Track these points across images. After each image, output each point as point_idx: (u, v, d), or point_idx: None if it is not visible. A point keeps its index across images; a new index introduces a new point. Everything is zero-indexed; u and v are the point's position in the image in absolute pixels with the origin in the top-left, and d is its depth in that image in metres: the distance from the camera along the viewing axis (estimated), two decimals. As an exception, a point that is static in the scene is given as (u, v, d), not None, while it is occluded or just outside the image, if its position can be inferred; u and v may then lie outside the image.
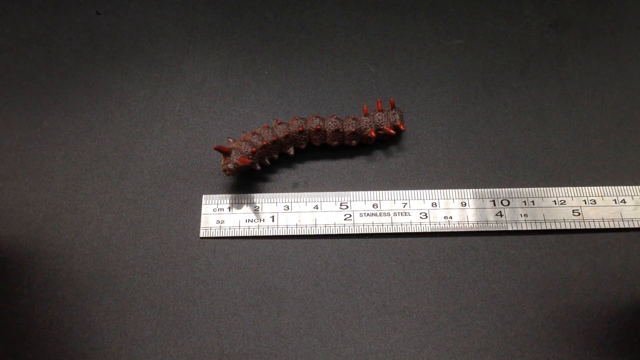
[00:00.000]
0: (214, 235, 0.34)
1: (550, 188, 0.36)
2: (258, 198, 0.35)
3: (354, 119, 0.36)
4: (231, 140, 0.35)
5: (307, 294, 0.33)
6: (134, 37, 0.43)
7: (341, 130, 0.36)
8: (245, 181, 0.36)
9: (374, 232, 0.34)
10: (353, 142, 0.36)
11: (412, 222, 0.34)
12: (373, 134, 0.36)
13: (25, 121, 0.39)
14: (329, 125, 0.36)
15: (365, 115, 0.36)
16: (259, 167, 0.35)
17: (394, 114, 0.37)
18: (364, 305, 0.33)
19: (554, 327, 0.32)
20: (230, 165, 0.34)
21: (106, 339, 0.31)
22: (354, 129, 0.36)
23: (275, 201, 0.35)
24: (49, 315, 0.32)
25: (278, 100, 0.40)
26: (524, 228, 0.34)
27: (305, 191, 0.36)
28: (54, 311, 0.32)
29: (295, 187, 0.36)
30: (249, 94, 0.40)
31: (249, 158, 0.34)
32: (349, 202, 0.35)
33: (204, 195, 0.36)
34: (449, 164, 0.37)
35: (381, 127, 0.36)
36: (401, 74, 0.41)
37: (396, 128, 0.37)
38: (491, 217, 0.34)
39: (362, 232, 0.34)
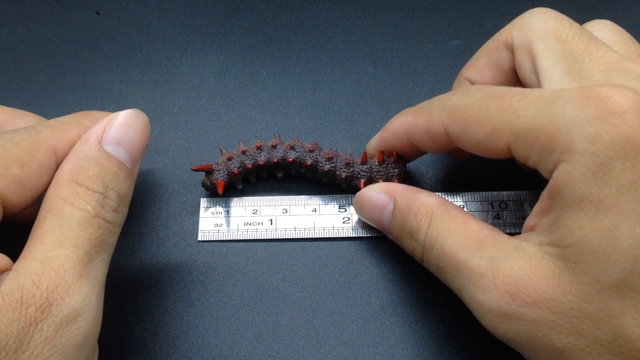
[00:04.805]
0: (212, 239, 0.34)
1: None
2: (256, 201, 0.35)
3: (347, 163, 0.34)
4: (223, 150, 0.35)
5: (306, 296, 0.33)
6: (133, 38, 0.43)
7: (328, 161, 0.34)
8: (244, 185, 0.36)
9: (373, 235, 0.34)
10: (326, 167, 0.34)
11: (411, 224, 0.34)
12: (362, 185, 0.34)
13: (23, 122, 0.39)
14: (322, 156, 0.34)
15: (363, 163, 0.34)
16: (240, 186, 0.35)
17: (394, 168, 0.34)
18: (362, 308, 0.33)
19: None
20: (208, 183, 0.34)
21: (103, 340, 0.31)
22: (344, 175, 0.34)
23: (273, 204, 0.35)
24: (48, 318, 0.32)
25: (277, 101, 0.40)
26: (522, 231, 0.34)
27: (303, 194, 0.36)
28: (53, 313, 0.32)
29: (293, 191, 0.36)
30: (248, 95, 0.40)
31: (231, 178, 0.34)
32: (347, 205, 0.35)
33: (202, 199, 0.36)
34: (447, 165, 0.37)
35: (375, 179, 0.34)
36: (400, 74, 0.41)
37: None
38: (489, 220, 0.34)
39: (361, 235, 0.34)
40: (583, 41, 0.27)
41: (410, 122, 0.31)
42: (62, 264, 0.23)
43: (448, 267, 0.26)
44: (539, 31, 0.28)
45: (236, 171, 0.34)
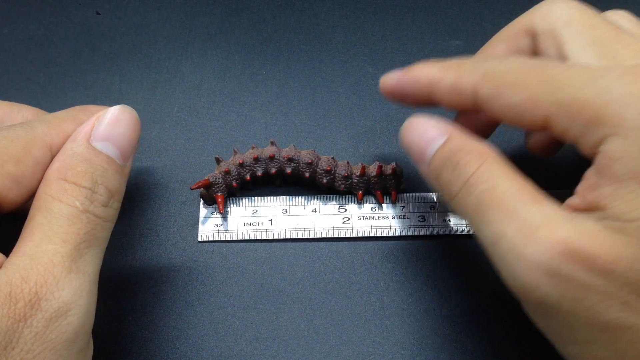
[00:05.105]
0: (212, 239, 0.34)
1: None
2: (256, 202, 0.35)
3: (346, 176, 0.35)
4: (220, 160, 0.35)
5: (306, 296, 0.33)
6: (133, 38, 0.43)
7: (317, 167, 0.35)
8: (244, 184, 0.36)
9: (373, 235, 0.34)
10: (324, 180, 0.35)
11: (411, 225, 0.34)
12: (361, 196, 0.35)
13: (23, 123, 0.39)
14: (323, 164, 0.35)
15: (361, 175, 0.34)
16: (239, 194, 0.36)
17: (391, 179, 0.35)
18: (362, 308, 0.33)
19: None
20: (207, 196, 0.35)
21: (103, 340, 0.31)
22: (345, 173, 0.35)
23: (273, 204, 0.35)
24: (48, 318, 0.32)
25: (276, 101, 0.40)
26: (522, 231, 0.34)
27: (303, 195, 0.36)
28: (53, 313, 0.32)
29: (293, 191, 0.36)
30: (248, 95, 0.40)
31: (230, 190, 0.35)
32: (347, 206, 0.35)
33: (202, 199, 0.36)
34: (447, 166, 0.37)
35: (372, 190, 0.35)
36: (400, 75, 0.41)
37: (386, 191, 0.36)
38: (489, 220, 0.34)
39: (361, 235, 0.34)
40: (611, 28, 0.27)
41: (436, 75, 0.29)
42: (51, 259, 0.23)
43: (493, 210, 0.24)
44: (563, 18, 0.28)
45: (235, 184, 0.34)
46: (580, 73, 0.24)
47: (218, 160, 0.35)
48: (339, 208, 0.35)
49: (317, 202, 0.35)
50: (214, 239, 0.34)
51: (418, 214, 0.35)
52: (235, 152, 0.35)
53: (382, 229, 0.34)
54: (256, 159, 0.34)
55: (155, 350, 0.31)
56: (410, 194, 0.36)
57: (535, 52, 0.30)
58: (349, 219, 0.35)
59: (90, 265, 0.25)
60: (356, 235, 0.34)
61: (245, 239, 0.34)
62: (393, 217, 0.35)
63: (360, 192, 0.35)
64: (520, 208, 0.24)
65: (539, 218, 0.23)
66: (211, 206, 0.35)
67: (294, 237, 0.34)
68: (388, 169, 0.34)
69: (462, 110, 0.30)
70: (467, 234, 0.34)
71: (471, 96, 0.27)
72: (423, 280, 0.33)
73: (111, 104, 0.39)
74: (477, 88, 0.27)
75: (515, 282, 0.24)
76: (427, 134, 0.28)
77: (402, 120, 0.39)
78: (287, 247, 0.34)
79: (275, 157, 0.34)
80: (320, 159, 0.35)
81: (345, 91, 0.41)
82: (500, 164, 0.26)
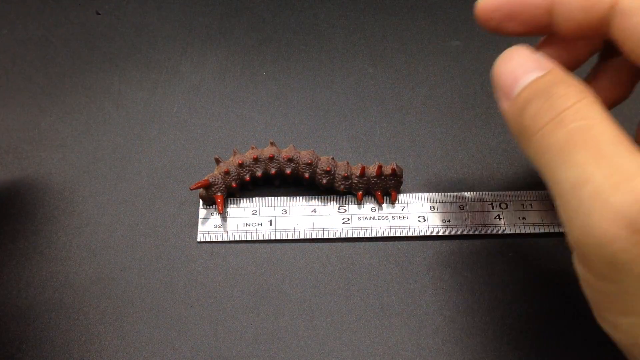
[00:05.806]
0: (211, 240, 0.34)
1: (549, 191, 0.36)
2: (256, 202, 0.35)
3: (345, 176, 0.35)
4: (220, 160, 0.35)
5: (305, 297, 0.33)
6: (132, 39, 0.43)
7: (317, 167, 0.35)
8: (243, 185, 0.36)
9: (372, 235, 0.34)
10: (324, 181, 0.35)
11: (410, 225, 0.34)
12: (361, 197, 0.35)
13: (22, 123, 0.39)
14: (322, 164, 0.35)
15: (361, 175, 0.34)
16: (238, 195, 0.36)
17: (391, 179, 0.35)
18: (362, 308, 0.33)
19: (554, 329, 0.32)
20: (206, 197, 0.35)
21: (103, 341, 0.31)
22: (345, 173, 0.34)
23: (273, 205, 0.35)
24: (46, 318, 0.32)
25: (276, 102, 0.40)
26: (523, 231, 0.34)
27: (303, 195, 0.36)
28: (51, 314, 0.32)
29: (293, 191, 0.36)
30: (247, 96, 0.40)
31: (229, 190, 0.35)
32: (347, 206, 0.35)
33: (201, 200, 0.35)
34: (447, 166, 0.37)
35: (372, 190, 0.35)
36: (399, 75, 0.41)
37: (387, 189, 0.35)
38: (489, 220, 0.34)
39: (360, 235, 0.34)
40: None
41: None
42: None
43: (583, 150, 0.22)
44: None
45: (234, 184, 0.34)
46: None
47: (217, 161, 0.35)
48: (338, 208, 0.35)
49: (317, 202, 0.35)
50: (214, 240, 0.34)
51: (418, 214, 0.35)
52: (235, 153, 0.35)
53: (382, 230, 0.34)
54: (256, 160, 0.34)
55: (155, 351, 0.31)
56: (410, 194, 0.36)
57: None
58: (348, 219, 0.35)
59: None
60: (356, 236, 0.34)
61: (245, 239, 0.34)
62: (393, 218, 0.35)
63: (360, 192, 0.35)
64: (615, 154, 0.21)
65: (634, 167, 0.21)
66: (210, 207, 0.35)
67: (293, 238, 0.34)
68: (388, 169, 0.34)
69: (584, 36, 0.26)
70: (466, 235, 0.34)
71: (606, 11, 0.24)
72: (423, 280, 0.33)
73: (110, 104, 0.40)
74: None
75: (589, 233, 0.21)
76: (525, 65, 0.25)
77: (402, 121, 0.39)
78: (286, 248, 0.34)
79: (275, 157, 0.34)
80: (319, 160, 0.35)
81: (345, 91, 0.40)
82: (600, 105, 0.23)
